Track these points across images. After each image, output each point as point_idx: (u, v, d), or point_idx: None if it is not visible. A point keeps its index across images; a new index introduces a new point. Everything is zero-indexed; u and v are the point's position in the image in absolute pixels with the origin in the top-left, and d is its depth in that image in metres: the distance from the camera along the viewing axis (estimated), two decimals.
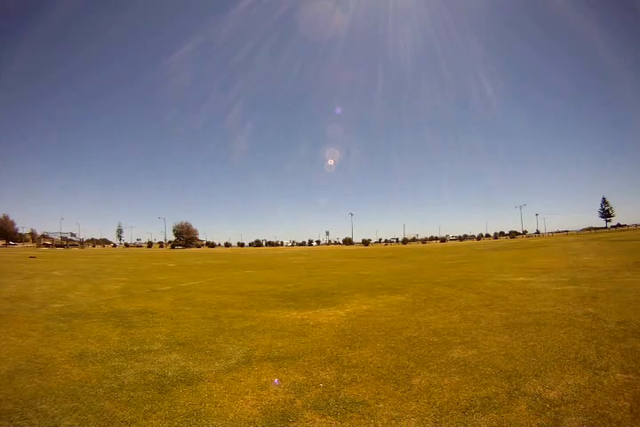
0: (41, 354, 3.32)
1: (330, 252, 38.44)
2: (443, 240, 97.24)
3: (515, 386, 2.37)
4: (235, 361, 3.10)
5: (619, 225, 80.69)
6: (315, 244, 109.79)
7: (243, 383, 2.61)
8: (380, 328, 4.08)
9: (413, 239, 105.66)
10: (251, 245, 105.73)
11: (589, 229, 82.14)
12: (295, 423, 2.04)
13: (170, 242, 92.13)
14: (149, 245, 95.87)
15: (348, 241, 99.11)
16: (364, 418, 2.07)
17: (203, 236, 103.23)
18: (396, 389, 2.44)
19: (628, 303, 4.61)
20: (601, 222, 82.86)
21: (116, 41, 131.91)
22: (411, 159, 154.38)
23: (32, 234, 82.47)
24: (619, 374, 2.45)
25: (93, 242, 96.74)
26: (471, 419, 1.99)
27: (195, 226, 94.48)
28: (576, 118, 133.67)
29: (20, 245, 71.32)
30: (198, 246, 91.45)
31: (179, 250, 64.17)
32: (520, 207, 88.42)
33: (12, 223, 76.03)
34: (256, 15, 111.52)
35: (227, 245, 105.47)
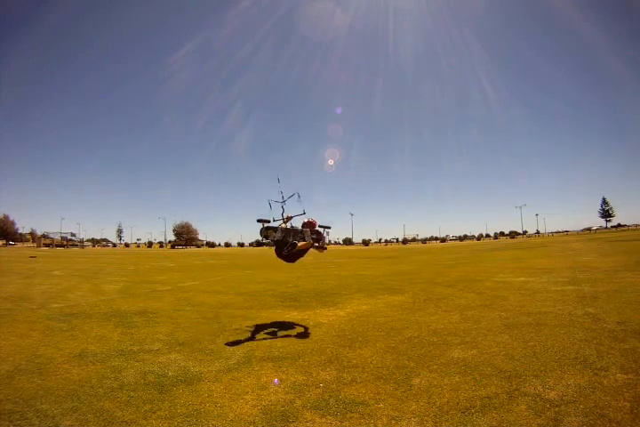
0: (41, 354, 3.31)
1: (329, 252, 38.40)
2: (443, 240, 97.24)
3: (515, 386, 2.37)
4: (235, 361, 3.10)
5: (619, 225, 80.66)
6: None
7: (243, 383, 2.61)
8: (380, 328, 4.08)
9: (413, 239, 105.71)
10: (251, 245, 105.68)
11: (589, 229, 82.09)
12: (295, 423, 2.04)
13: (170, 242, 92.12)
14: (149, 245, 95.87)
15: (347, 241, 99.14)
16: (364, 418, 2.07)
17: (203, 236, 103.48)
18: (396, 389, 2.44)
19: (628, 303, 4.60)
20: (601, 222, 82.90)
21: (116, 41, 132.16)
22: (411, 159, 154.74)
23: (32, 234, 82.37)
24: (619, 375, 2.45)
25: (93, 242, 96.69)
26: (471, 419, 1.99)
27: (195, 226, 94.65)
28: (576, 118, 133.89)
29: (20, 244, 71.27)
30: (198, 246, 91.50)
31: (179, 250, 64.16)
32: (520, 207, 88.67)
33: (12, 223, 76.06)
34: (256, 15, 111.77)
35: (227, 245, 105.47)
